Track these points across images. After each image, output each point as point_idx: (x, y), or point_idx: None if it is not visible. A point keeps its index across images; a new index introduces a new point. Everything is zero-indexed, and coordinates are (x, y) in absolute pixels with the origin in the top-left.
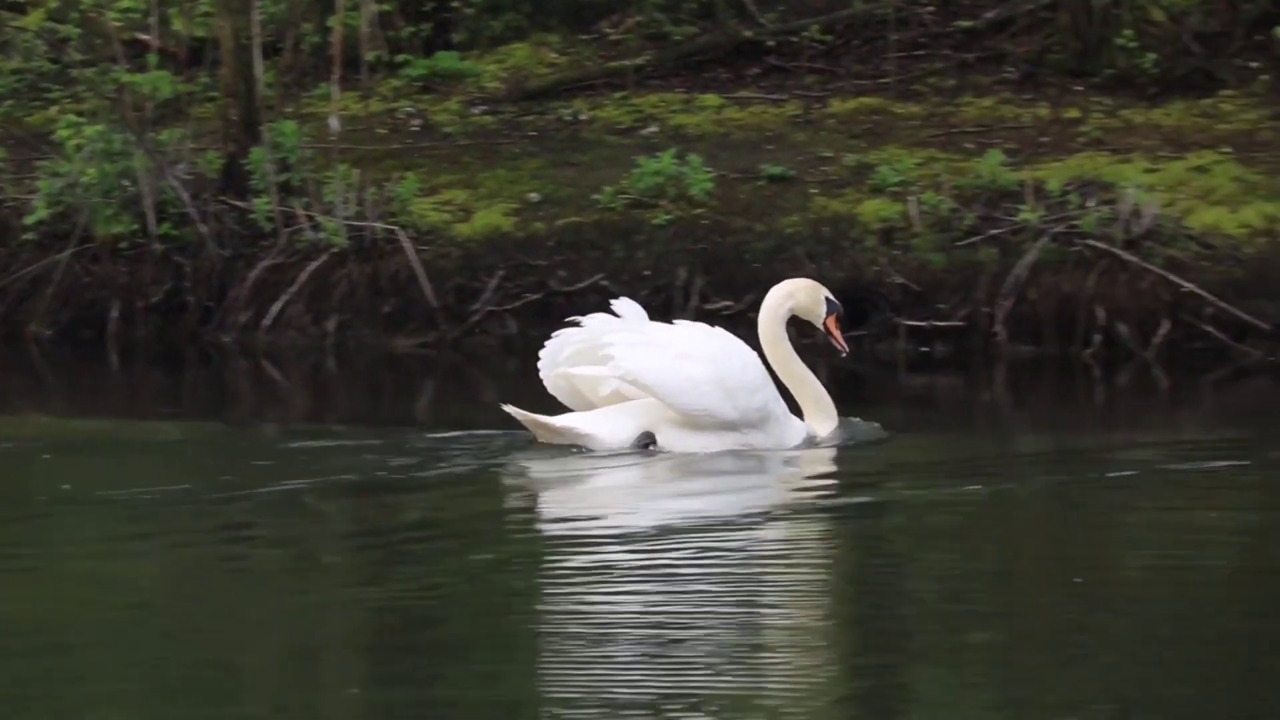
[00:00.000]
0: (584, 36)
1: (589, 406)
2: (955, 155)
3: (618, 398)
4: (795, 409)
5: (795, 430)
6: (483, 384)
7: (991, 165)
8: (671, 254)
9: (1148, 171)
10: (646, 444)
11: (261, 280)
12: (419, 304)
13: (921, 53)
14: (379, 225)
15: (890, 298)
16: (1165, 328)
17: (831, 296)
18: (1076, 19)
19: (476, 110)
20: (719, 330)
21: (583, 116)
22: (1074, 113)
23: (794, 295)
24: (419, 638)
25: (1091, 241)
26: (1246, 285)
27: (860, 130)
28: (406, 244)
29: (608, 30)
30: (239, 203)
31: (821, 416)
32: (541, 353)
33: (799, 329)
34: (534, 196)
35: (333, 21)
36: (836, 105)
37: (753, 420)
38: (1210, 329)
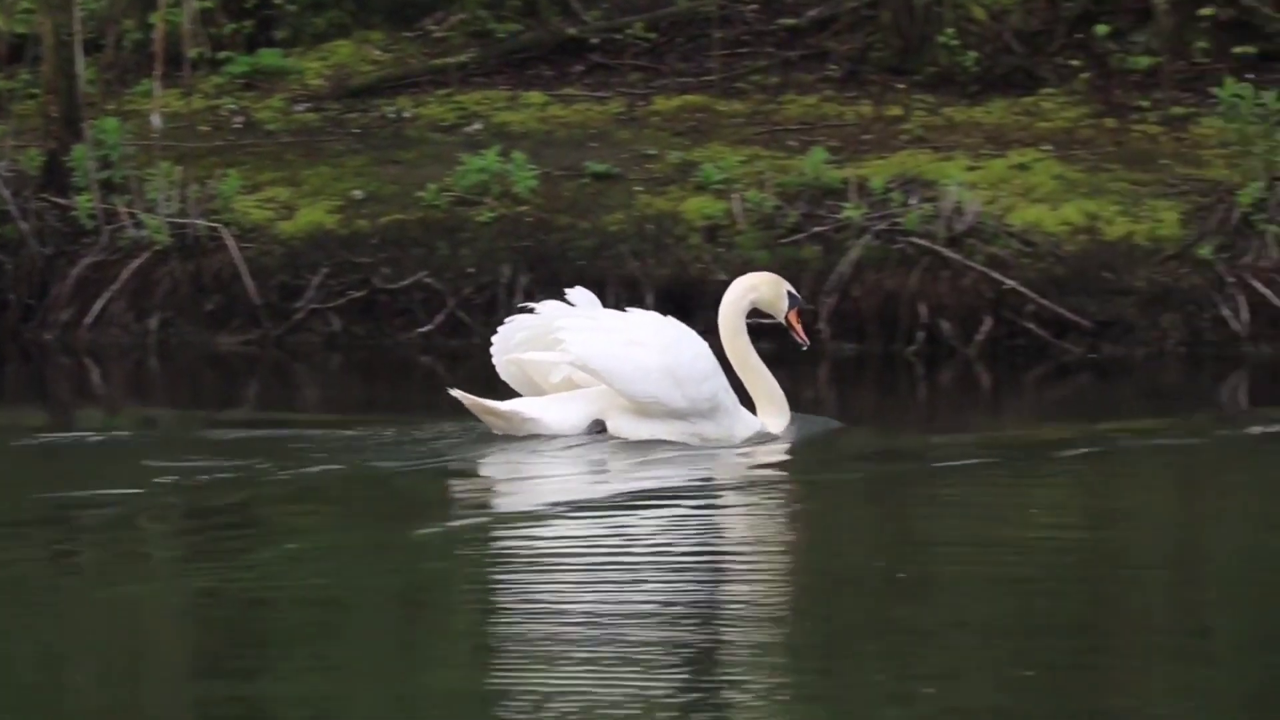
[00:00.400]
0: (407, 34)
1: (540, 393)
2: (779, 153)
3: (569, 385)
4: (749, 403)
5: (746, 423)
6: (306, 381)
7: (815, 163)
8: (496, 251)
9: (969, 169)
10: (597, 431)
11: (83, 278)
12: (242, 301)
13: (745, 50)
14: (202, 223)
15: (715, 295)
16: (987, 325)
17: (793, 290)
18: (898, 17)
19: (300, 108)
20: (671, 319)
21: (406, 114)
22: (896, 111)
23: (757, 288)
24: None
25: (914, 239)
26: (1067, 282)
27: (684, 128)
28: (229, 241)
29: (431, 27)
30: (60, 200)
31: (774, 411)
32: (494, 338)
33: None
34: (357, 194)
35: (154, 18)
36: (660, 103)
37: (702, 410)
38: (1031, 326)
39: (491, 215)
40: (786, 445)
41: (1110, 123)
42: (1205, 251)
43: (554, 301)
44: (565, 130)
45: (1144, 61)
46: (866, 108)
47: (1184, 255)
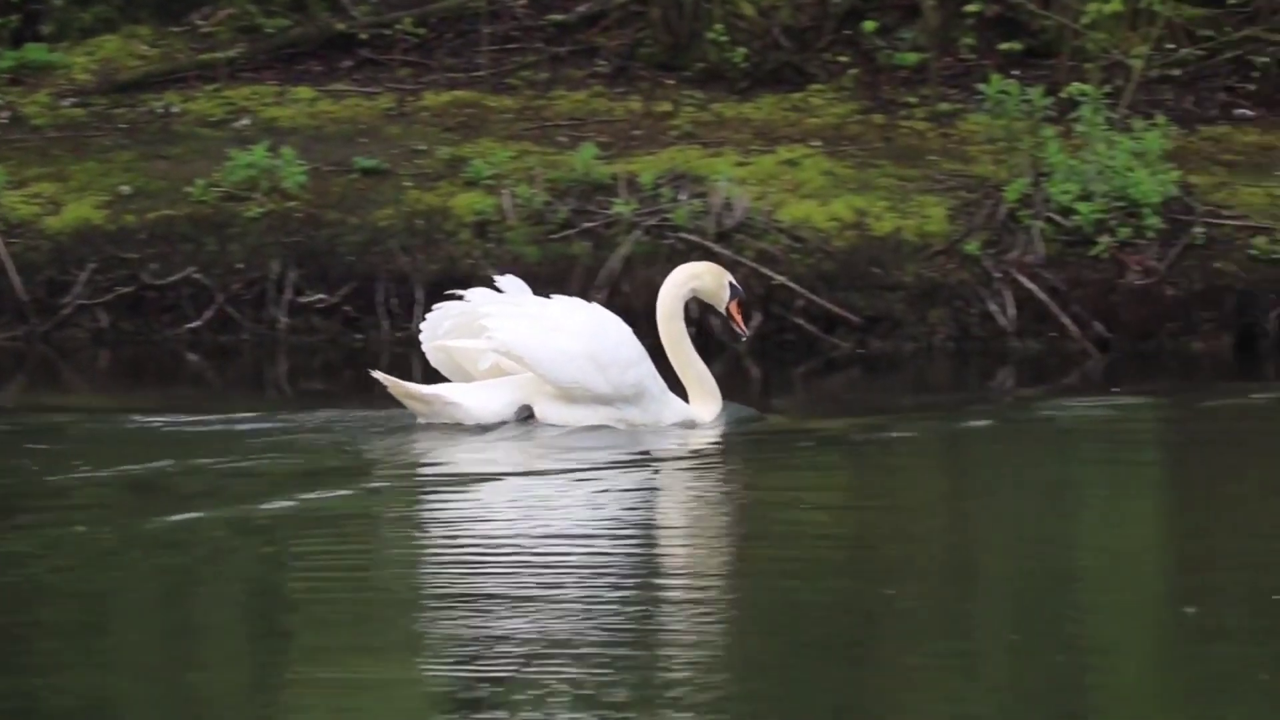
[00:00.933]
0: (175, 29)
1: (469, 380)
2: (549, 148)
3: (497, 371)
4: (680, 390)
5: (674, 409)
6: (74, 377)
7: (584, 159)
8: (265, 247)
9: (739, 165)
10: (524, 417)
11: None
12: (8, 297)
13: (514, 46)
14: None
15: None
16: (756, 320)
17: (734, 281)
18: (667, 13)
19: (66, 103)
20: (595, 305)
21: (174, 109)
22: (666, 107)
23: (700, 276)
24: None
25: (684, 234)
26: (836, 278)
27: (454, 123)
28: None
29: (199, 22)
30: None
31: (705, 399)
32: (422, 325)
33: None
34: (125, 189)
35: None
36: (430, 98)
37: (626, 395)
38: (801, 321)
39: (260, 211)
40: (712, 431)
41: (878, 119)
42: (972, 247)
43: (483, 289)
44: (334, 126)
45: (911, 58)
46: (636, 104)
47: (951, 251)
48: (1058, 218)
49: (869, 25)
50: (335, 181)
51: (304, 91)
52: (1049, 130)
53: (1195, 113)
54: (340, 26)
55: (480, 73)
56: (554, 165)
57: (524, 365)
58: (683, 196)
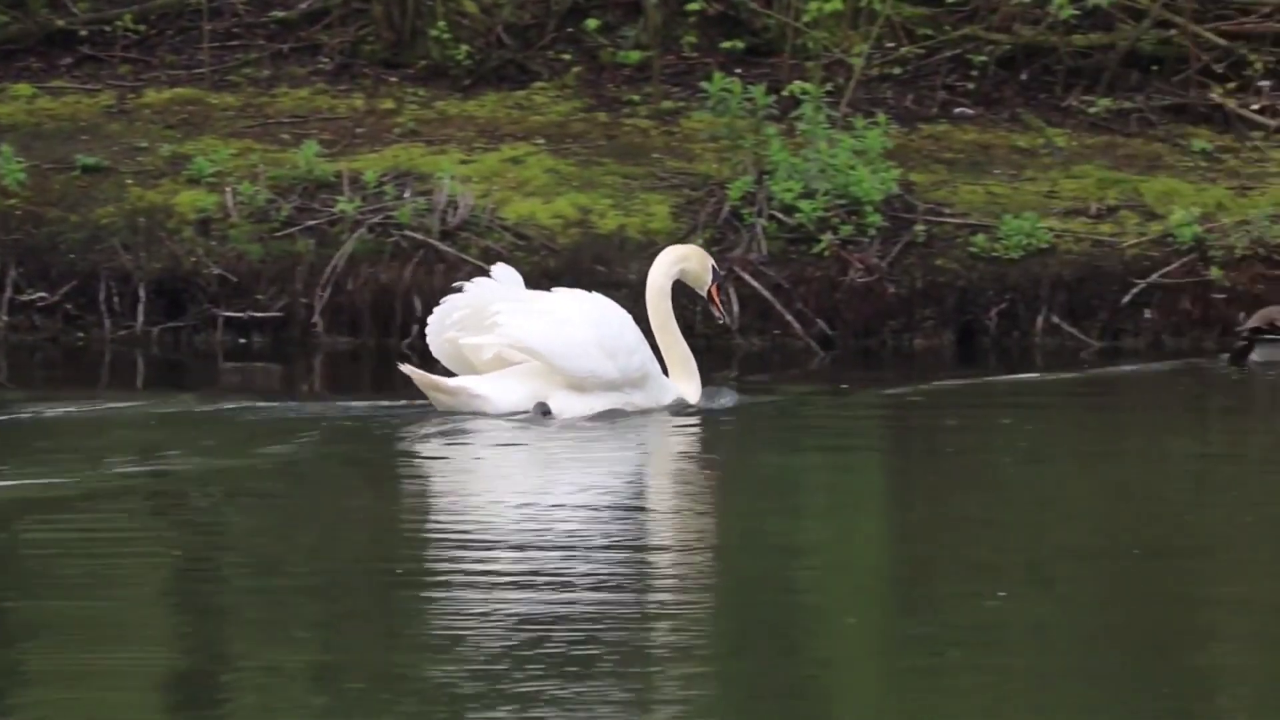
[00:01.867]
0: None
1: (473, 370)
2: (272, 146)
3: (499, 362)
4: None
5: (669, 390)
6: None
7: (307, 156)
8: None
9: (462, 163)
10: (544, 412)
11: None
12: None
13: (236, 43)
14: None
15: (208, 289)
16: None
17: (716, 266)
18: (390, 11)
19: None
20: (594, 295)
21: None
22: (389, 104)
23: (687, 259)
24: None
25: (408, 233)
26: (560, 275)
27: (175, 120)
28: None
29: None
30: None
31: (688, 379)
32: (430, 319)
33: None
34: None
35: None
36: (151, 95)
37: (634, 379)
38: None
39: None
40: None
41: (602, 117)
42: (696, 244)
43: (483, 279)
44: (54, 123)
45: (634, 56)
46: (359, 101)
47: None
48: (780, 215)
49: (591, 23)
50: (56, 179)
51: (23, 89)
52: (771, 128)
53: (915, 111)
54: (60, 23)
55: (202, 70)
56: (277, 163)
57: (538, 359)
58: (406, 194)
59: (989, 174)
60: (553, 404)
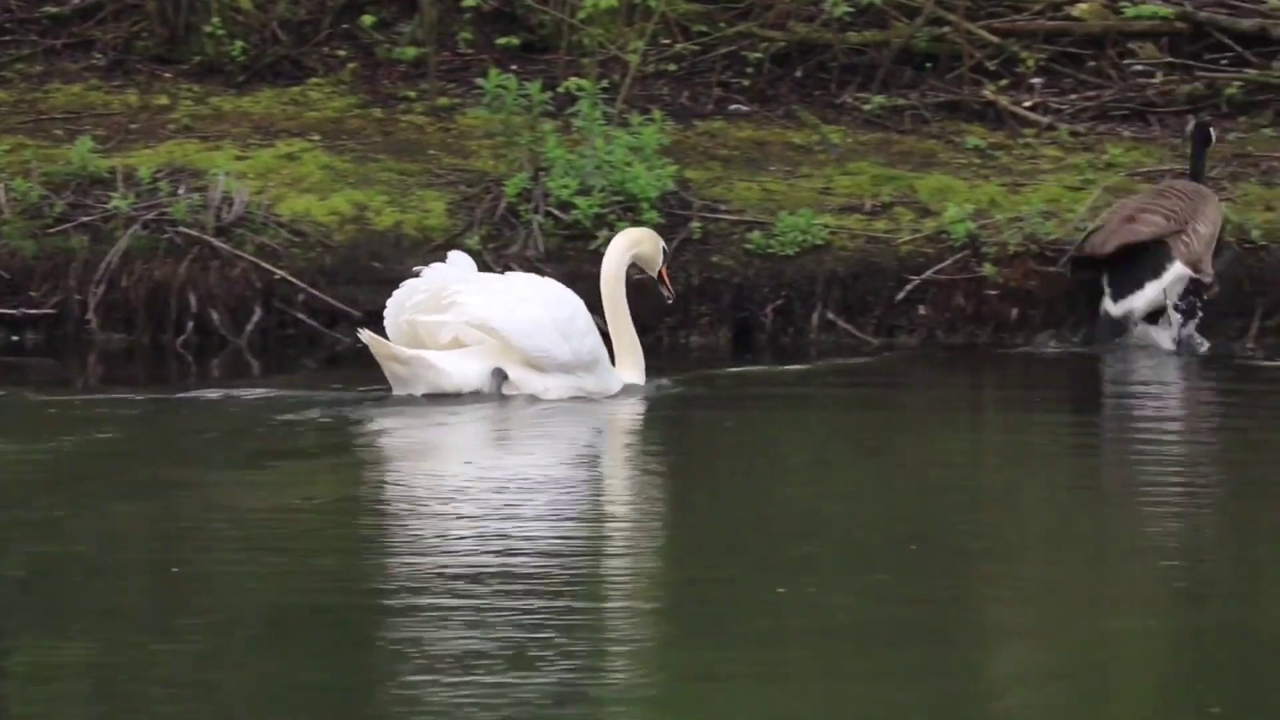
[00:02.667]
0: None
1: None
2: (45, 142)
3: (456, 344)
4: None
5: (616, 376)
6: None
7: (81, 152)
8: None
9: (238, 159)
10: (500, 380)
11: None
12: None
13: (8, 39)
14: None
15: None
16: (258, 315)
17: (665, 247)
18: (164, 6)
19: None
20: (546, 279)
21: None
22: (163, 100)
23: (641, 243)
24: None
25: (183, 229)
26: (337, 272)
27: None
28: None
29: None
30: None
31: (633, 365)
32: (389, 301)
33: None
34: None
35: None
36: None
37: (585, 362)
38: (303, 316)
39: None
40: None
41: (378, 113)
42: (472, 242)
43: (439, 265)
44: None
45: (410, 52)
46: (133, 97)
47: (452, 245)
48: (557, 213)
49: (367, 19)
50: None
51: None
52: (547, 125)
53: (691, 108)
54: None
55: None
56: (50, 159)
57: (497, 337)
58: (181, 191)
59: (765, 171)
60: (510, 374)
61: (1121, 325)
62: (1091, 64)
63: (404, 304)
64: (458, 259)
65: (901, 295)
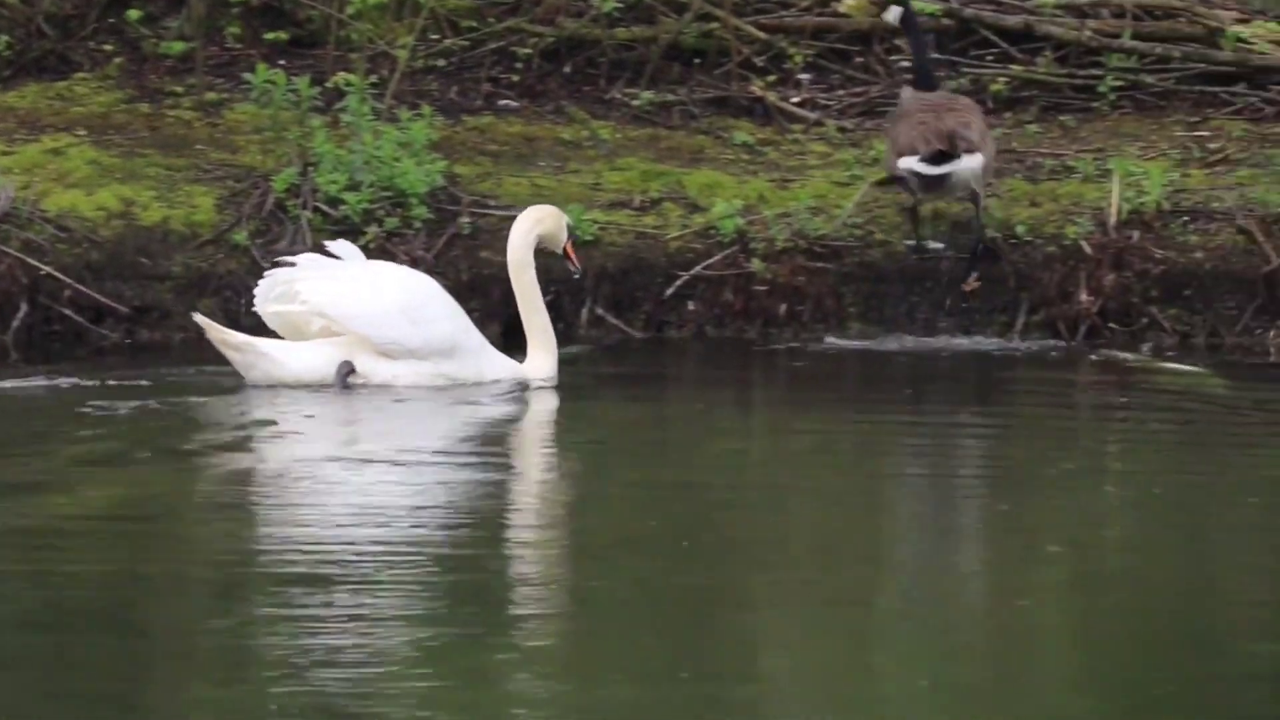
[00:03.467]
0: None
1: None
2: None
3: (329, 334)
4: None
5: (496, 365)
6: None
7: None
8: None
9: (3, 154)
10: (346, 373)
11: None
12: None
13: None
14: None
15: None
16: (23, 311)
17: (570, 222)
18: None
19: None
20: (407, 269)
21: None
22: None
23: (543, 221)
24: None
25: None
26: (104, 268)
27: None
28: None
29: None
30: None
31: (544, 353)
32: (255, 290)
33: None
34: None
35: None
36: None
37: (441, 350)
38: (69, 312)
39: None
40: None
41: (145, 108)
42: (241, 237)
43: (314, 254)
44: None
45: (177, 47)
46: None
47: (220, 241)
48: (326, 208)
49: (133, 14)
50: None
51: None
52: (316, 121)
53: (460, 104)
54: None
55: None
56: None
57: (339, 325)
58: None
59: (534, 166)
60: (358, 366)
61: (937, 181)
62: (859, 60)
63: (269, 293)
64: (342, 249)
65: (670, 291)
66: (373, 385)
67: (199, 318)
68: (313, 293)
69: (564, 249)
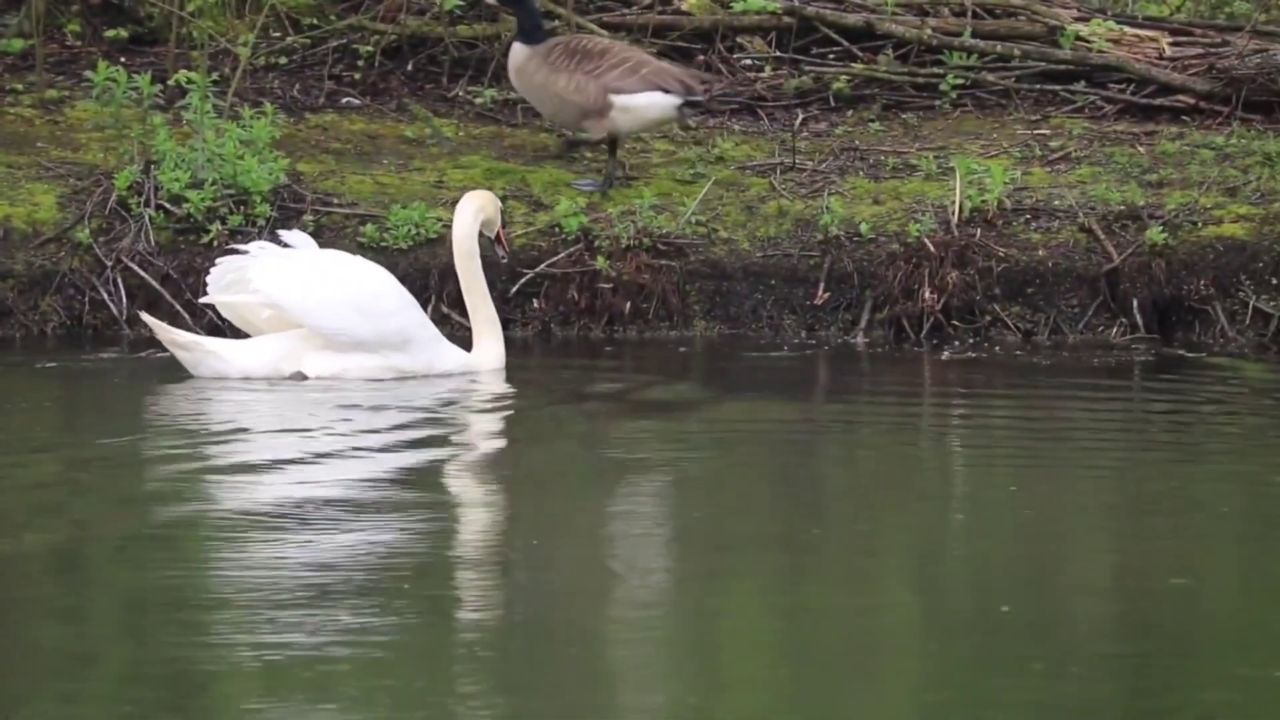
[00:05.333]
0: None
1: (259, 333)
2: None
3: (281, 324)
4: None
5: (447, 357)
6: None
7: None
8: None
9: None
10: (302, 378)
11: None
12: None
13: None
14: None
15: None
16: None
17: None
18: None
19: None
20: (358, 257)
21: None
22: None
23: (484, 208)
24: None
25: None
26: None
27: None
28: None
29: None
30: None
31: (490, 341)
32: (207, 279)
33: None
34: None
35: None
36: None
37: (392, 342)
38: None
39: None
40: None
41: None
42: (84, 235)
43: (265, 243)
44: None
45: (18, 44)
46: None
47: (63, 239)
48: (169, 206)
49: None
50: None
51: None
52: (158, 118)
53: (302, 101)
54: None
55: None
56: None
57: (287, 316)
58: None
59: (377, 164)
60: (306, 366)
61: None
62: (701, 58)
63: (220, 282)
64: (295, 238)
65: (515, 289)
66: (322, 379)
67: (147, 317)
68: (264, 282)
69: (496, 234)
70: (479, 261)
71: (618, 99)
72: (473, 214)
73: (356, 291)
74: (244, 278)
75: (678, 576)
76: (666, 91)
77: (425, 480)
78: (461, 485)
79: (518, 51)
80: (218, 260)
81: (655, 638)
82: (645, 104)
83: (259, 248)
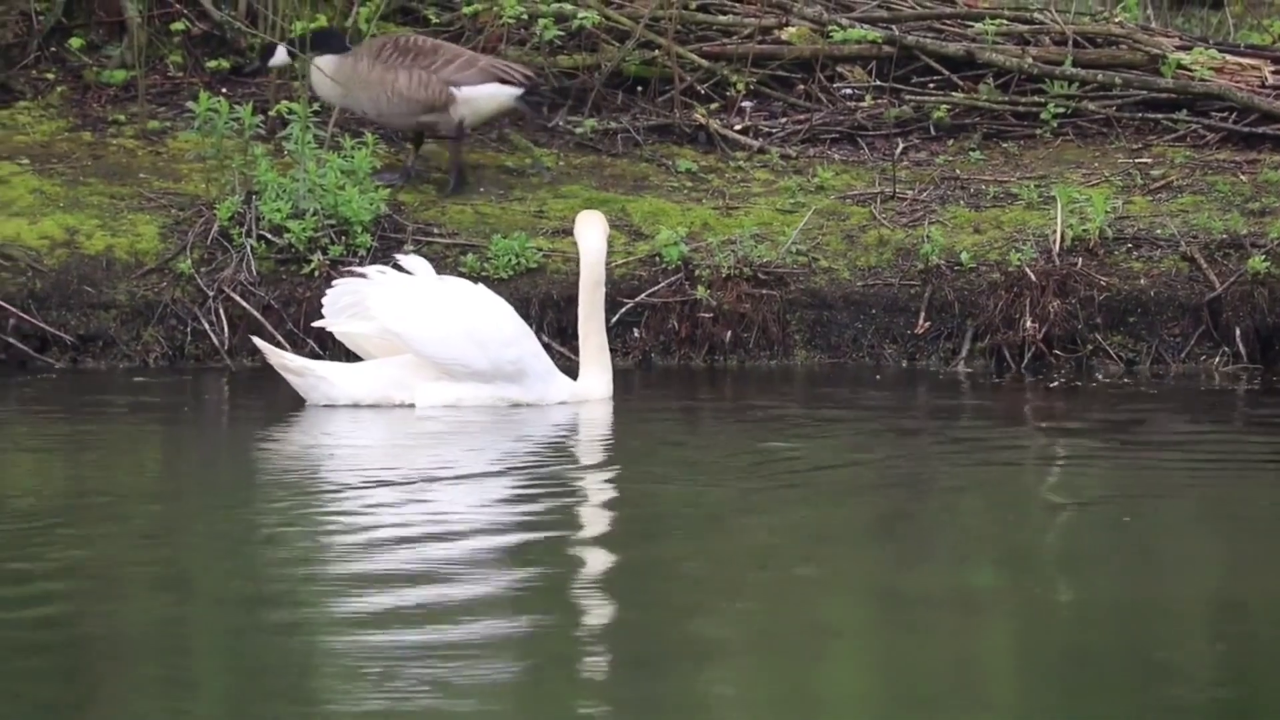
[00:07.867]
0: None
1: (370, 356)
2: None
3: (394, 348)
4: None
5: (560, 387)
6: None
7: None
8: None
9: None
10: (405, 404)
11: None
12: None
13: None
14: None
15: None
16: None
17: None
18: None
19: None
20: (480, 286)
21: None
22: None
23: (606, 230)
24: None
25: None
26: (48, 296)
27: None
28: None
29: None
30: None
31: (599, 370)
32: (324, 300)
33: None
34: None
35: None
36: None
37: (507, 373)
38: (13, 340)
39: None
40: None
41: (87, 136)
42: (185, 265)
43: (384, 267)
44: None
45: (120, 75)
46: None
47: (164, 269)
48: (270, 236)
49: (76, 42)
50: None
51: None
52: (259, 149)
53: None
54: None
55: None
56: None
57: (404, 344)
58: None
59: (477, 194)
60: (418, 396)
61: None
62: (801, 88)
63: (335, 306)
64: (412, 263)
65: (615, 318)
66: (437, 407)
67: (259, 342)
68: (382, 311)
69: None
70: (604, 291)
71: (459, 91)
72: (600, 235)
73: (474, 323)
74: (361, 303)
75: (813, 623)
76: (506, 82)
77: (557, 523)
78: (597, 526)
79: (330, 60)
80: (334, 282)
81: (807, 693)
82: (487, 94)
83: (378, 271)
